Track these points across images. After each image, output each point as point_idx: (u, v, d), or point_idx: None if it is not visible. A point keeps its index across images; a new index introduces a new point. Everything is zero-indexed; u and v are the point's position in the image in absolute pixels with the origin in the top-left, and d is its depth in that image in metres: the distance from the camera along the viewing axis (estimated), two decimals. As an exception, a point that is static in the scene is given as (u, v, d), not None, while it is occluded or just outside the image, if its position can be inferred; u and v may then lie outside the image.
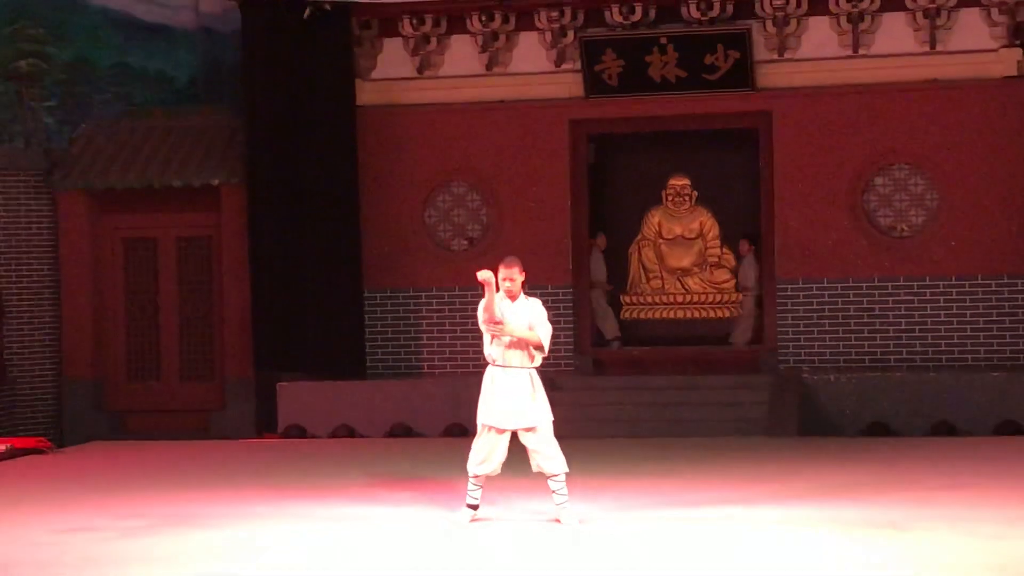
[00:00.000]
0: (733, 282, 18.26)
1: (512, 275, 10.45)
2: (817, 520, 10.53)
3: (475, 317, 10.66)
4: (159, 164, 18.90)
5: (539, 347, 10.41)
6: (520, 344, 10.46)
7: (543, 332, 10.42)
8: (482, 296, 10.41)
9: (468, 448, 10.80)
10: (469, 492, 10.71)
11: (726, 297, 18.21)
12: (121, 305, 19.18)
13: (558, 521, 10.57)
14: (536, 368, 10.57)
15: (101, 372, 19.02)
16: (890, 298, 17.48)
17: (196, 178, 18.69)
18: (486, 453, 10.54)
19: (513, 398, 10.41)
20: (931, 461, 13.82)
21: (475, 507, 10.73)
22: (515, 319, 10.42)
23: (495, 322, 10.33)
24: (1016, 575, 8.45)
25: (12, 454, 15.34)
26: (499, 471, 10.67)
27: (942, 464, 13.59)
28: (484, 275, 10.27)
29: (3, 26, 19.47)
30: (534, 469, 10.65)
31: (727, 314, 18.22)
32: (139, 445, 16.83)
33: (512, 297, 10.48)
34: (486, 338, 10.61)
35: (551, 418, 10.54)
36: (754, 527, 10.33)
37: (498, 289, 10.40)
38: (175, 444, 16.70)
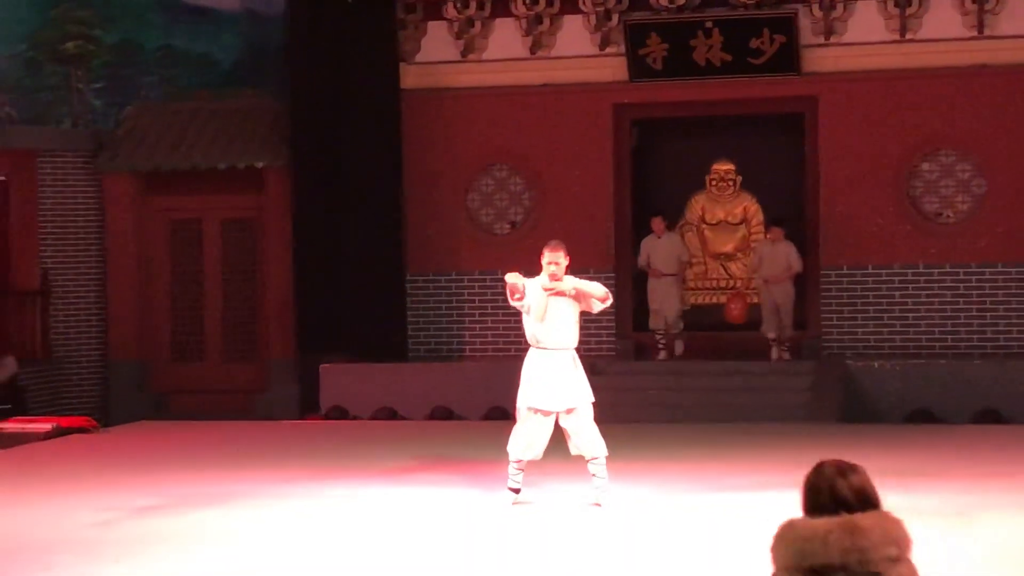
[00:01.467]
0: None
1: (557, 258, 10.50)
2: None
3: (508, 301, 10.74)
4: (204, 146, 18.98)
5: (603, 297, 10.47)
6: (565, 323, 10.48)
7: (594, 285, 10.60)
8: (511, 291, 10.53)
9: (509, 431, 10.81)
10: (511, 476, 10.72)
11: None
12: (166, 286, 19.28)
13: (598, 505, 10.58)
14: (573, 350, 10.60)
15: (146, 353, 19.14)
16: (935, 285, 17.35)
17: (240, 160, 18.76)
18: (531, 438, 10.54)
19: (556, 379, 10.44)
20: (975, 449, 13.74)
21: (517, 491, 10.74)
22: (560, 299, 10.48)
23: (517, 292, 10.40)
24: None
25: (58, 433, 15.47)
26: (541, 456, 10.67)
27: (987, 451, 13.50)
28: (512, 279, 10.42)
29: (50, 8, 19.60)
30: (573, 452, 10.65)
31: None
32: (183, 425, 16.93)
33: (557, 280, 10.52)
34: (527, 321, 10.64)
35: (592, 399, 10.58)
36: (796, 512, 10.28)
37: (543, 272, 10.52)
38: (218, 424, 16.79)
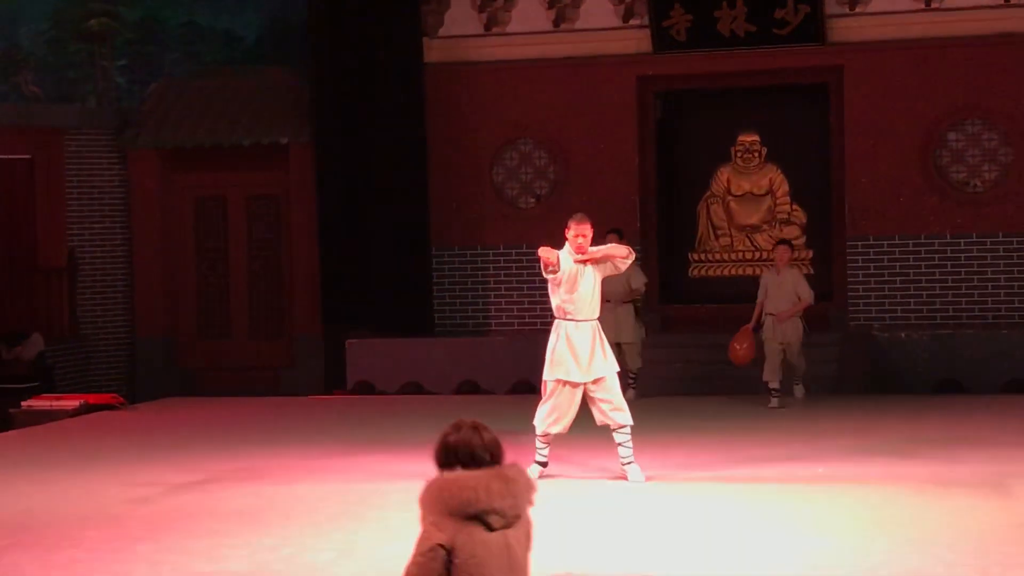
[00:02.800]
0: (803, 239, 18.08)
1: (584, 231, 10.59)
2: (887, 477, 10.47)
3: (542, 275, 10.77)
4: (228, 123, 18.99)
5: (626, 256, 10.68)
6: (592, 293, 10.53)
7: (617, 247, 10.88)
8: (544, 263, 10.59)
9: (535, 405, 10.82)
10: (537, 450, 10.75)
11: (796, 254, 18.03)
12: (191, 263, 19.33)
13: (624, 478, 10.58)
14: (598, 320, 10.63)
15: (172, 330, 19.20)
16: (962, 255, 17.26)
17: (265, 137, 18.77)
18: (560, 411, 10.56)
19: (584, 351, 10.48)
20: (1004, 418, 13.68)
21: (544, 464, 10.76)
22: (586, 270, 10.50)
23: (551, 265, 10.49)
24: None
25: (85, 410, 15.53)
26: (568, 430, 10.68)
27: (1016, 421, 13.44)
28: (545, 253, 10.52)
29: (74, -14, 19.61)
30: (598, 422, 10.66)
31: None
32: (210, 401, 16.98)
33: (583, 253, 10.57)
34: (554, 293, 10.67)
35: (617, 369, 10.64)
36: (823, 483, 10.30)
37: (569, 244, 10.60)
38: (245, 401, 16.84)
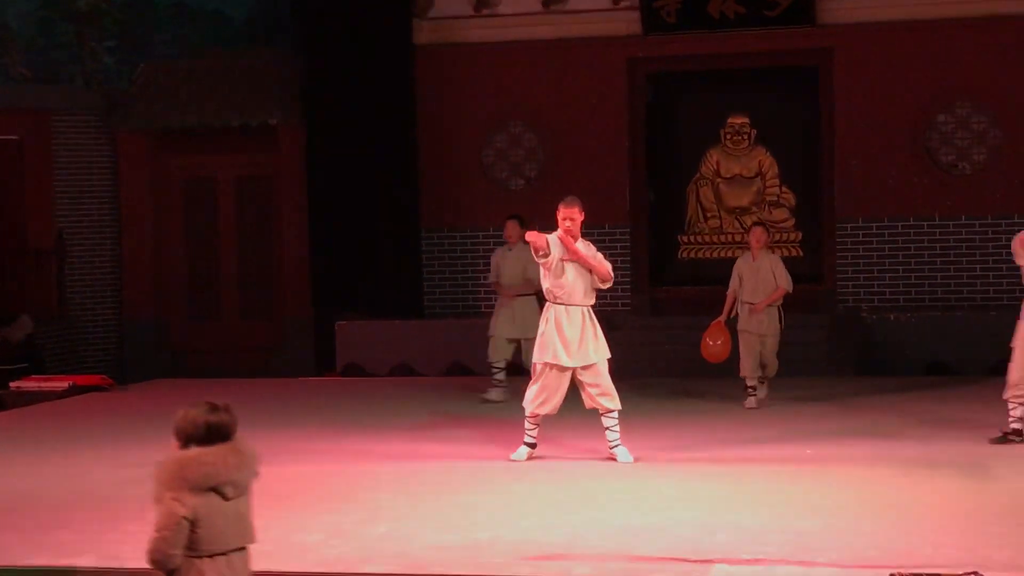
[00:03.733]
0: (792, 221, 18.10)
1: (572, 214, 10.57)
2: (875, 458, 10.52)
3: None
4: (217, 104, 18.94)
5: (606, 276, 10.49)
6: (581, 279, 10.52)
7: (604, 262, 10.64)
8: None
9: (525, 386, 10.85)
10: (527, 431, 10.78)
11: (785, 236, 18.07)
12: (181, 244, 19.30)
13: (613, 458, 10.62)
14: (591, 306, 10.64)
15: (162, 311, 19.18)
16: (951, 237, 17.28)
17: (254, 118, 18.72)
18: (548, 393, 10.59)
19: (573, 335, 10.49)
20: (988, 400, 13.71)
21: (533, 445, 10.79)
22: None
23: (541, 249, 10.49)
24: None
25: (74, 391, 15.53)
26: (557, 411, 10.71)
27: (1001, 403, 13.47)
28: (533, 237, 10.53)
29: (62, -34, 19.55)
30: (587, 406, 10.70)
31: (786, 254, 18.07)
32: (199, 383, 16.97)
33: (573, 237, 10.56)
34: (544, 277, 10.68)
35: (608, 355, 10.63)
36: (810, 464, 10.33)
37: (559, 228, 10.58)
38: (235, 382, 16.84)
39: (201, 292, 19.27)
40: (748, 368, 13.29)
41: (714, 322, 13.60)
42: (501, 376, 14.20)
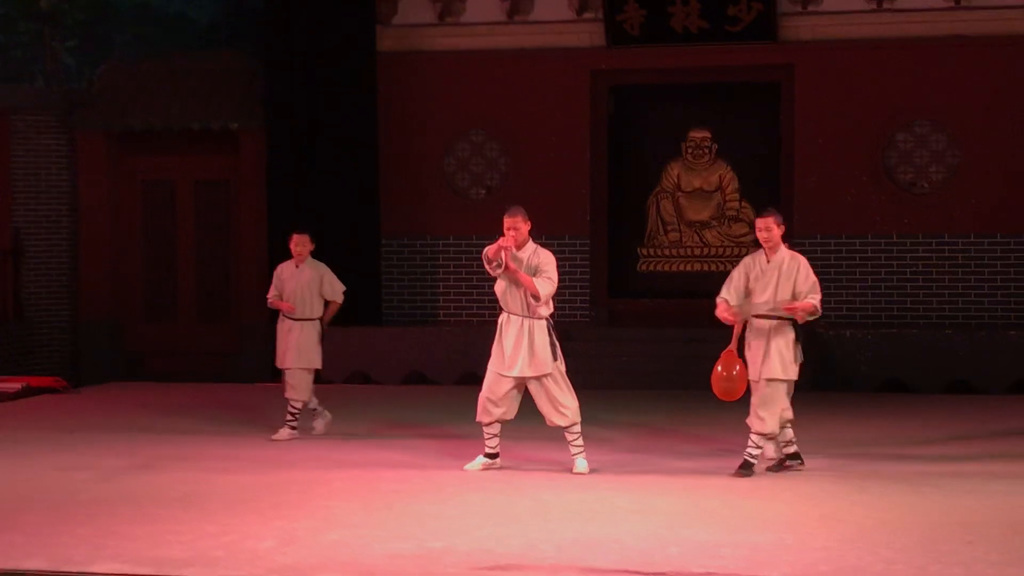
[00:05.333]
0: (752, 236, 18.16)
1: (516, 224, 10.59)
2: (829, 474, 10.57)
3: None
4: (179, 107, 18.87)
5: (535, 295, 10.43)
6: (519, 291, 10.51)
7: (541, 282, 10.46)
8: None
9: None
10: (485, 441, 10.78)
11: (744, 251, 18.14)
12: (138, 247, 19.19)
13: (572, 471, 10.62)
14: (539, 319, 10.57)
15: (118, 313, 19.06)
16: (908, 255, 17.40)
17: (215, 122, 18.65)
18: (493, 398, 10.63)
19: (508, 344, 10.54)
20: (943, 418, 13.83)
21: (492, 456, 10.78)
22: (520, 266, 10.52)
23: (490, 260, 10.47)
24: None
25: (27, 392, 15.42)
26: (510, 417, 10.71)
27: (955, 421, 13.59)
28: (493, 251, 10.49)
29: (24, -35, 19.44)
30: (547, 422, 10.71)
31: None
32: (154, 387, 16.90)
33: (518, 245, 10.56)
34: (496, 285, 10.72)
35: (549, 370, 10.52)
36: (764, 478, 10.37)
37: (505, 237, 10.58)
38: (190, 386, 16.78)
39: (158, 295, 19.17)
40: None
41: (724, 353, 10.82)
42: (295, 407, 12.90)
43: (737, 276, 10.54)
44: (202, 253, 19.09)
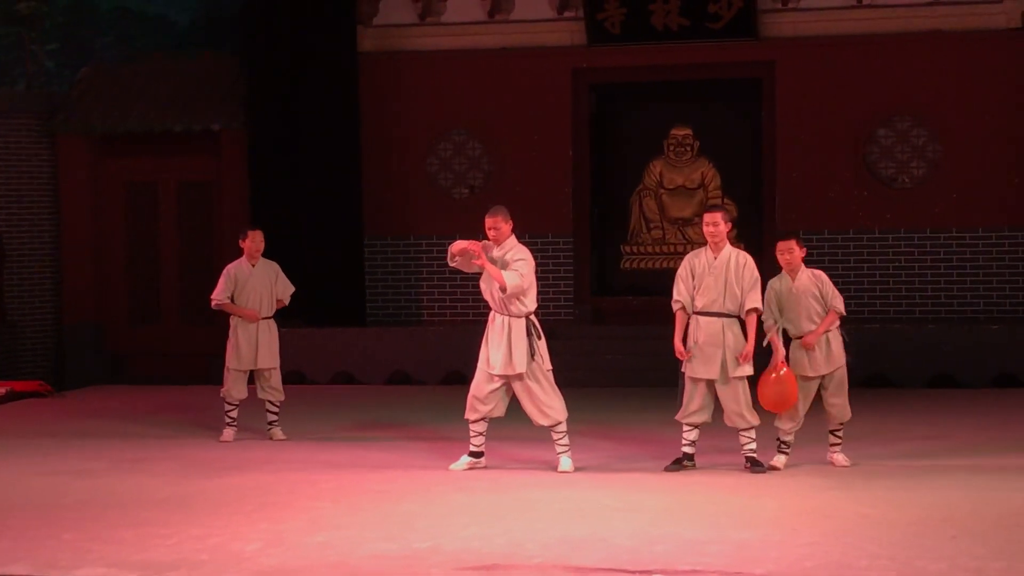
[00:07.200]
0: (734, 233, 18.15)
1: (496, 224, 10.69)
2: (813, 469, 10.59)
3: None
4: (160, 108, 18.83)
5: (502, 287, 10.45)
6: (495, 288, 10.55)
7: (509, 274, 10.48)
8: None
9: (465, 396, 10.86)
10: (471, 439, 10.79)
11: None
12: (122, 249, 19.15)
13: (557, 469, 10.64)
14: (518, 317, 10.57)
15: (102, 315, 19.02)
16: (890, 250, 17.45)
17: (197, 123, 18.61)
18: (478, 396, 10.67)
19: (492, 341, 10.60)
20: (927, 413, 13.88)
21: (477, 455, 10.79)
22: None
23: (453, 255, 10.61)
24: (1012, 523, 8.49)
25: (12, 397, 15.38)
26: (499, 414, 10.73)
27: (939, 416, 13.64)
28: (458, 247, 10.62)
29: (3, -32, 19.38)
30: (532, 422, 10.74)
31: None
32: (139, 389, 16.88)
33: (497, 244, 10.64)
34: (482, 282, 10.79)
35: (522, 370, 10.51)
36: (747, 475, 10.39)
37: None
38: (174, 389, 16.75)
39: (142, 297, 19.13)
40: (787, 420, 10.70)
41: (784, 370, 10.61)
42: (230, 408, 12.89)
43: (685, 275, 10.59)
44: (185, 255, 19.06)
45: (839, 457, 10.83)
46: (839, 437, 10.87)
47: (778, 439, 10.74)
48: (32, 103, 19.15)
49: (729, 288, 10.47)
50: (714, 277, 10.48)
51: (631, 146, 18.55)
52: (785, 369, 10.56)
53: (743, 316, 10.52)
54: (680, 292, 10.57)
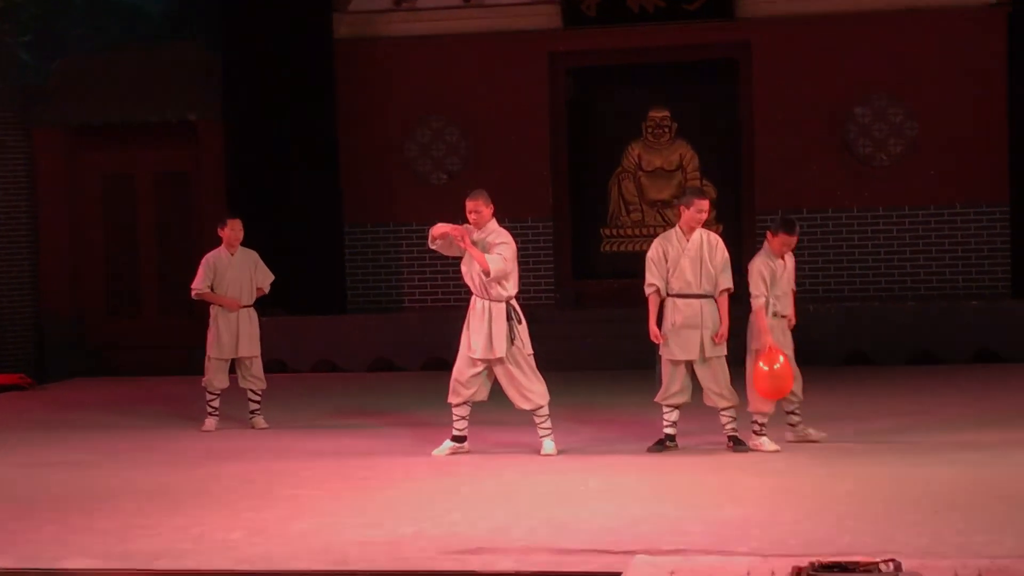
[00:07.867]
0: (713, 214, 18.20)
1: (477, 207, 10.68)
2: (794, 447, 10.63)
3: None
4: (136, 99, 18.75)
5: (485, 271, 10.46)
6: (477, 272, 10.56)
7: (492, 258, 10.48)
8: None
9: (448, 381, 10.86)
10: (454, 424, 10.80)
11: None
12: (100, 241, 19.08)
13: (540, 453, 10.66)
14: (498, 301, 10.58)
15: (81, 307, 18.96)
16: (869, 228, 17.49)
17: (173, 113, 18.55)
18: (460, 379, 10.67)
19: (473, 324, 10.62)
20: (907, 390, 13.93)
21: (460, 439, 10.80)
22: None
23: (434, 237, 10.63)
24: (994, 497, 8.53)
25: (-8, 390, 15.35)
26: (481, 398, 10.74)
27: (919, 393, 13.70)
28: (439, 231, 10.63)
29: (-25, -40, 19.25)
30: (514, 406, 10.75)
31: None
32: (119, 381, 16.84)
33: (479, 228, 10.66)
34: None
35: (502, 354, 10.52)
36: (729, 454, 10.42)
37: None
38: (155, 380, 16.73)
39: (120, 289, 19.08)
40: (764, 401, 10.67)
41: (767, 351, 10.53)
42: (212, 398, 12.81)
43: (657, 258, 10.66)
44: (163, 245, 19.01)
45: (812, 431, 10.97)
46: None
47: (754, 421, 10.72)
48: (7, 96, 19.04)
49: (705, 269, 10.63)
50: (690, 260, 10.61)
51: (609, 129, 18.55)
52: (783, 357, 10.56)
53: (716, 297, 10.65)
54: (654, 275, 10.67)
